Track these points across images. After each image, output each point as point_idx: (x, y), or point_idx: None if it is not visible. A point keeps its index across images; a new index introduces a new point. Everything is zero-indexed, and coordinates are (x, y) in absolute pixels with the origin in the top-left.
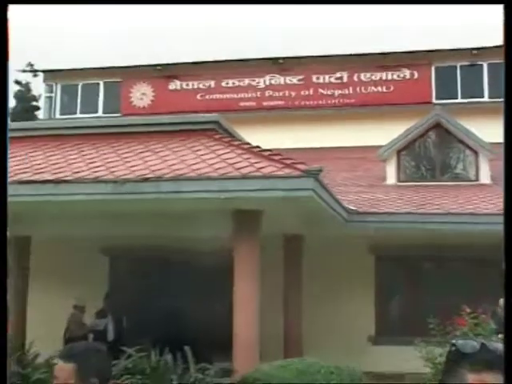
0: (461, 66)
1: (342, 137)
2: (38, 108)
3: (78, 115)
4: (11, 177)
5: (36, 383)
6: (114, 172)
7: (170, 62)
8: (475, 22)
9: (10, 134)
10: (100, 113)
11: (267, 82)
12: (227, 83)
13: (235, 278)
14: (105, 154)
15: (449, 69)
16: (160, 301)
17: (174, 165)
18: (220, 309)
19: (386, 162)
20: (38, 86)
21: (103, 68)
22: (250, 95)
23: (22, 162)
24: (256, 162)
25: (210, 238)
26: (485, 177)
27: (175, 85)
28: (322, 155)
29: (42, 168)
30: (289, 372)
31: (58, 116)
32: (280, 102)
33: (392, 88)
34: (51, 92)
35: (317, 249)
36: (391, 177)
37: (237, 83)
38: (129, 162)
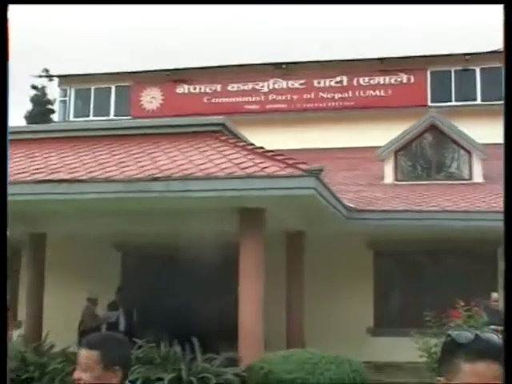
0: (455, 71)
1: (341, 138)
2: (53, 111)
3: (91, 118)
4: (28, 176)
5: (52, 372)
6: (125, 172)
7: (176, 65)
8: (474, 23)
9: (27, 136)
10: (112, 115)
11: (270, 86)
12: (232, 87)
13: (240, 273)
14: (116, 154)
15: (443, 73)
16: (169, 294)
17: (182, 165)
18: (226, 302)
19: (384, 161)
20: (53, 91)
21: (115, 73)
22: (254, 99)
23: (38, 163)
24: (260, 162)
25: (217, 234)
26: (478, 176)
27: (183, 89)
28: (322, 155)
29: (57, 168)
30: (291, 361)
31: (71, 119)
32: (283, 105)
33: (389, 91)
34: (65, 96)
35: (318, 245)
36: (389, 176)
37: (242, 87)
38: (139, 162)
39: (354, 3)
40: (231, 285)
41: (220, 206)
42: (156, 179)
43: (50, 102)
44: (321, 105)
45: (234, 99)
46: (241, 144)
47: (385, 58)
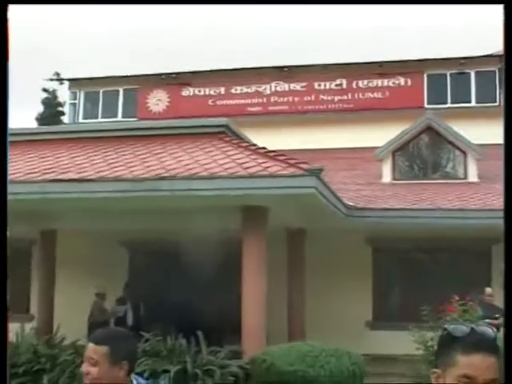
0: (450, 74)
1: (341, 139)
2: (63, 113)
3: (100, 119)
4: (39, 176)
5: (63, 364)
6: (132, 171)
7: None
8: (473, 23)
9: (38, 137)
10: (119, 117)
11: (273, 89)
12: (236, 90)
13: (244, 268)
14: (124, 154)
15: (439, 76)
16: (174, 290)
17: (187, 165)
18: (229, 296)
19: (382, 161)
20: (64, 94)
21: (122, 76)
22: (256, 101)
23: (49, 162)
24: (263, 162)
25: (221, 232)
26: (472, 175)
27: (188, 91)
28: (323, 155)
29: (67, 168)
30: (293, 354)
31: (81, 120)
32: (284, 107)
33: (387, 94)
34: (75, 99)
35: (318, 242)
36: (387, 175)
37: (245, 90)
38: (146, 162)
39: (353, 3)
40: (235, 280)
41: (224, 204)
42: (162, 179)
43: (61, 105)
44: (321, 107)
45: (237, 101)
46: (244, 144)
47: (383, 62)
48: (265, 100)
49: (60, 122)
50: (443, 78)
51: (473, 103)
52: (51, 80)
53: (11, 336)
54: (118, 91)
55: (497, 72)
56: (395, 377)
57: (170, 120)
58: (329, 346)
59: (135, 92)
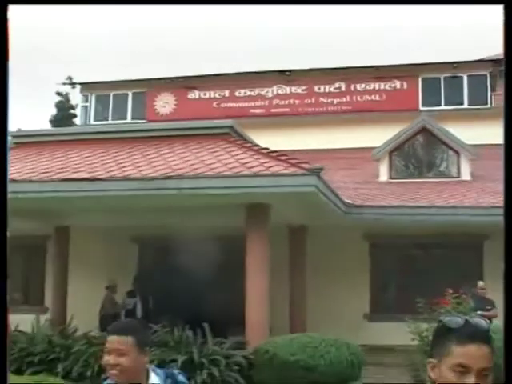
0: (444, 78)
1: (340, 139)
2: (75, 116)
3: (110, 121)
4: (53, 175)
5: (76, 353)
6: (141, 171)
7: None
8: (473, 23)
9: (52, 139)
10: (128, 119)
11: (275, 92)
12: (239, 93)
13: (247, 263)
14: (133, 155)
15: (433, 80)
16: (181, 284)
17: (193, 164)
18: (233, 289)
19: (379, 161)
20: (76, 97)
21: (131, 80)
22: (259, 103)
23: (62, 162)
24: (265, 162)
25: (225, 228)
26: (465, 174)
27: (194, 94)
28: (322, 156)
29: (79, 167)
30: (294, 345)
31: (92, 122)
32: (286, 109)
33: (384, 96)
34: (87, 101)
35: (318, 238)
36: (384, 174)
37: (248, 93)
38: (154, 162)
39: (353, 3)
40: (239, 275)
41: (228, 202)
42: (169, 178)
43: (73, 107)
44: (321, 109)
45: (240, 104)
46: (247, 145)
47: (380, 66)
48: (267, 102)
49: (72, 124)
50: (437, 81)
51: (465, 105)
52: (64, 84)
53: (28, 327)
54: (127, 94)
55: (488, 76)
56: (392, 366)
57: (177, 122)
58: (328, 337)
59: (143, 95)
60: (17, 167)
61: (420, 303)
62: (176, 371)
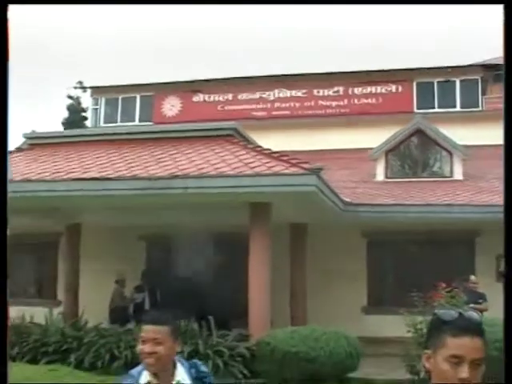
0: (437, 82)
1: (338, 141)
2: (86, 118)
3: (119, 123)
4: (65, 175)
5: (88, 344)
6: (148, 171)
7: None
8: (472, 25)
9: (64, 140)
10: (137, 121)
11: (276, 95)
12: (242, 96)
13: (250, 259)
14: (141, 155)
15: (427, 84)
16: (187, 278)
17: (199, 164)
18: (237, 284)
19: (376, 161)
20: (86, 100)
21: (139, 84)
22: (261, 106)
23: (74, 163)
24: (267, 162)
25: (229, 225)
26: (458, 174)
27: (199, 98)
28: (322, 156)
29: (89, 167)
30: (295, 337)
31: (102, 124)
32: (287, 112)
33: (380, 100)
34: (97, 104)
35: (318, 234)
36: (380, 174)
37: (250, 96)
38: (161, 162)
39: (352, 3)
40: (242, 270)
41: (232, 200)
42: (176, 177)
43: (84, 110)
44: (320, 112)
45: (243, 107)
46: (250, 146)
47: (376, 71)
48: (269, 105)
49: (83, 126)
50: (431, 85)
51: (458, 108)
52: (75, 88)
53: (41, 319)
54: (135, 98)
55: (479, 80)
56: (388, 357)
57: (183, 124)
58: (328, 329)
59: (151, 98)
60: (31, 167)
61: (415, 297)
62: (199, 362)
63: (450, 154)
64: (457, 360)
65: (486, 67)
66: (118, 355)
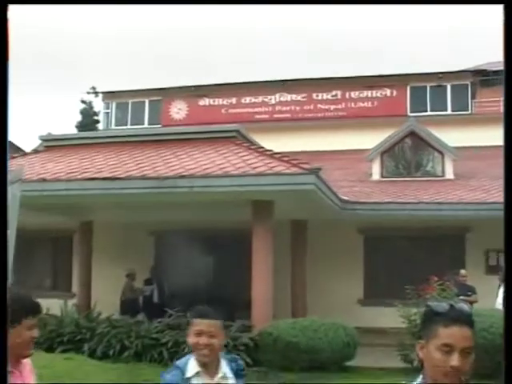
0: (430, 87)
1: (336, 142)
2: (98, 121)
3: (129, 126)
4: (78, 175)
5: (100, 334)
6: (157, 171)
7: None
8: (472, 25)
9: (78, 142)
10: (146, 124)
11: (277, 99)
12: (245, 100)
13: (253, 254)
14: (150, 156)
15: (420, 88)
16: (193, 272)
17: (204, 165)
18: (240, 278)
19: (371, 161)
20: (98, 104)
21: (148, 89)
22: (263, 109)
23: (87, 163)
24: (269, 162)
25: (233, 222)
26: (449, 173)
27: (205, 101)
28: (321, 157)
29: (101, 168)
30: (296, 328)
31: (113, 127)
32: (287, 115)
33: (376, 103)
34: (108, 108)
35: (317, 231)
36: (376, 173)
37: (253, 100)
38: (169, 162)
39: (351, 3)
40: (245, 264)
41: (235, 199)
42: (182, 177)
43: (96, 114)
44: (319, 115)
45: (246, 110)
46: (253, 147)
47: (372, 76)
48: (270, 109)
49: (95, 129)
50: (424, 89)
51: (449, 111)
52: (88, 93)
53: (57, 310)
54: (144, 102)
55: (469, 85)
56: (383, 346)
57: (189, 126)
58: (327, 320)
59: (159, 103)
60: (47, 168)
61: (408, 289)
62: (237, 356)
63: (442, 154)
64: (448, 349)
65: (476, 73)
66: (129, 345)
